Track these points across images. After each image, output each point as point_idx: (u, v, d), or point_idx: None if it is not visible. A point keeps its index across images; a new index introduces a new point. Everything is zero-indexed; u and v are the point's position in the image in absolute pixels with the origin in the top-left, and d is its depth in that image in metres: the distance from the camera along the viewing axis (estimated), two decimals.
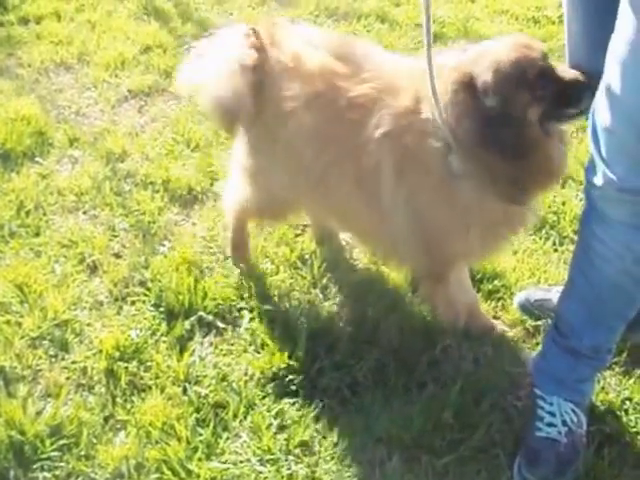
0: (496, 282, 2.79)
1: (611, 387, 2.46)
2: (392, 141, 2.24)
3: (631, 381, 2.46)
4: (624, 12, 1.81)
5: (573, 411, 2.27)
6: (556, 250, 2.96)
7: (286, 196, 2.62)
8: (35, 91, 3.87)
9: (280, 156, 2.50)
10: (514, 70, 2.09)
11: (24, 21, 4.44)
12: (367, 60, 2.38)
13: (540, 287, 2.74)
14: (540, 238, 3.00)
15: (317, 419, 2.35)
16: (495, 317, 2.68)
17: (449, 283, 2.51)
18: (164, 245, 2.98)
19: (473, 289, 2.68)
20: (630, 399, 2.42)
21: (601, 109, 1.92)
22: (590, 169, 2.03)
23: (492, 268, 2.82)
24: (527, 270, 2.85)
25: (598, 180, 1.98)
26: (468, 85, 2.11)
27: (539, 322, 2.64)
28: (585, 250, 2.16)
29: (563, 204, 3.16)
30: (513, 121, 2.10)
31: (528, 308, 2.67)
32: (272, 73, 2.42)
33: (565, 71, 2.19)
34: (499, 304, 2.73)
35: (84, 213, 3.14)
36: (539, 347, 2.52)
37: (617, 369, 2.49)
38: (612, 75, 1.86)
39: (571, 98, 2.15)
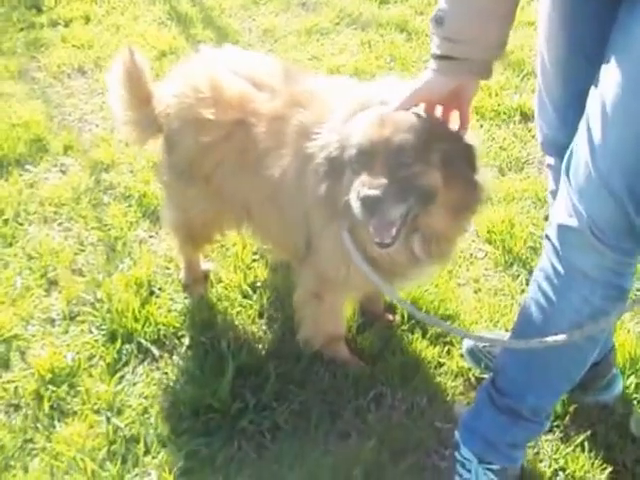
0: (447, 324, 2.53)
1: (545, 454, 2.20)
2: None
3: (569, 449, 2.20)
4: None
5: None
6: (523, 291, 2.65)
7: (207, 218, 2.57)
8: (45, 95, 3.89)
9: (203, 183, 2.42)
10: None
11: (54, 23, 4.48)
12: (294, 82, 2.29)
13: (492, 332, 2.50)
14: (508, 276, 2.73)
15: (230, 462, 2.23)
16: (438, 364, 2.46)
17: (323, 304, 2.40)
18: (124, 262, 2.91)
19: (344, 326, 2.54)
20: (564, 469, 2.15)
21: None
22: (561, 212, 1.80)
23: (445, 308, 2.59)
24: (486, 312, 2.60)
25: (573, 222, 1.76)
26: None
27: (485, 375, 2.39)
28: (540, 304, 1.92)
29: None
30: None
31: (476, 354, 2.44)
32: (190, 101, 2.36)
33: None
34: (444, 349, 2.50)
35: (59, 225, 3.12)
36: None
37: (557, 433, 2.23)
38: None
39: None
